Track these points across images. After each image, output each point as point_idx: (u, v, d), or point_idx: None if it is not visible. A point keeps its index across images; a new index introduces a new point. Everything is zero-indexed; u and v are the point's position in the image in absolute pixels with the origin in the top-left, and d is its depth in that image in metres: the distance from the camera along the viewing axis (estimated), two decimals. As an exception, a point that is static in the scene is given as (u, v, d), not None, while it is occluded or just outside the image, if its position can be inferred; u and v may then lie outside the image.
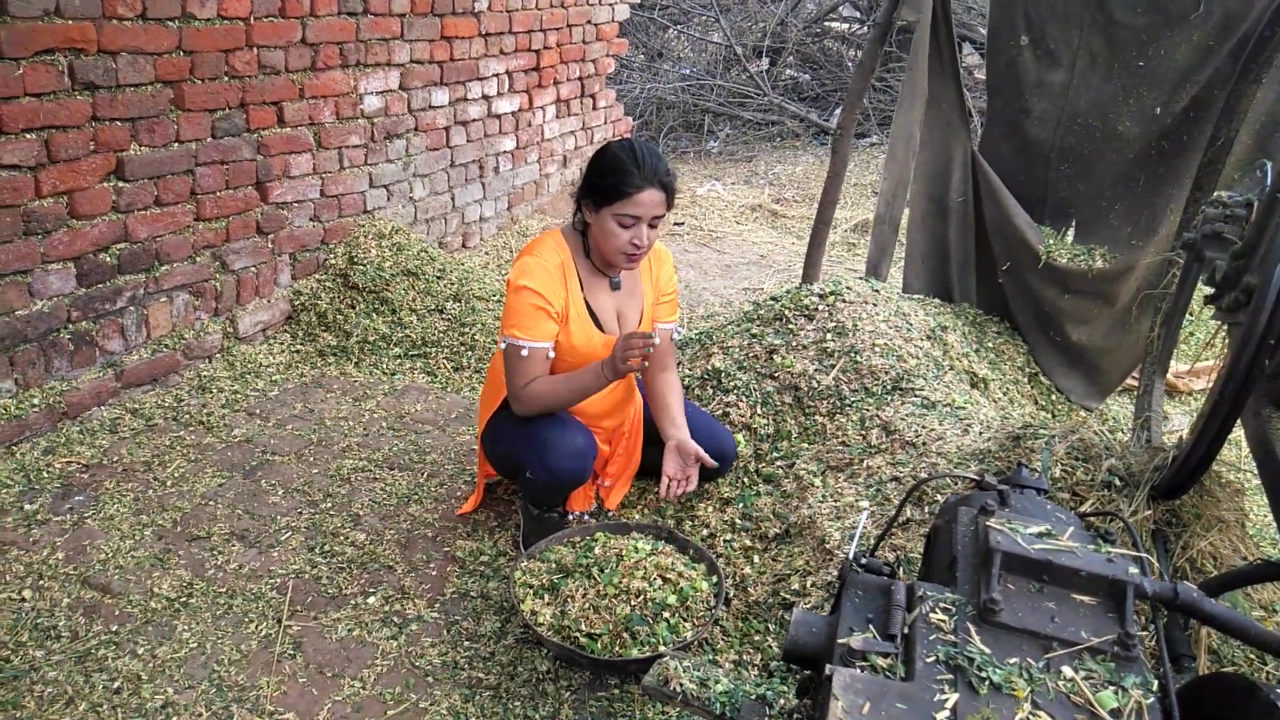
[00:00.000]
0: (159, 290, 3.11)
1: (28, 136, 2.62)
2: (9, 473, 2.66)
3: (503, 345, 2.29)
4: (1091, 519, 1.43)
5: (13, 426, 2.73)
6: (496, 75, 4.52)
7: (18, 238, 2.66)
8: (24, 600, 2.20)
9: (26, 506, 2.54)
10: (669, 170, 2.28)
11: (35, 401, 2.79)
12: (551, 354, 2.30)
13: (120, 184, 2.90)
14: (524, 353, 2.25)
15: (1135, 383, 3.70)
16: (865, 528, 1.60)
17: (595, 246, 2.34)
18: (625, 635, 1.98)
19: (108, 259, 2.93)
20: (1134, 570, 1.07)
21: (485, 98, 4.48)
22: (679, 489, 2.34)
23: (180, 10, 2.93)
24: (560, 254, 2.34)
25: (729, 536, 2.41)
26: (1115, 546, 1.14)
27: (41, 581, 2.27)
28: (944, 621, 1.03)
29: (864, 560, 1.12)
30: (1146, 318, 3.12)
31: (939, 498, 2.09)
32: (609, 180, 2.22)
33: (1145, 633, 1.43)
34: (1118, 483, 1.91)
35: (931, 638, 1.01)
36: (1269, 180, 1.81)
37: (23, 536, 2.43)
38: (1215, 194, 2.06)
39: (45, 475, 2.68)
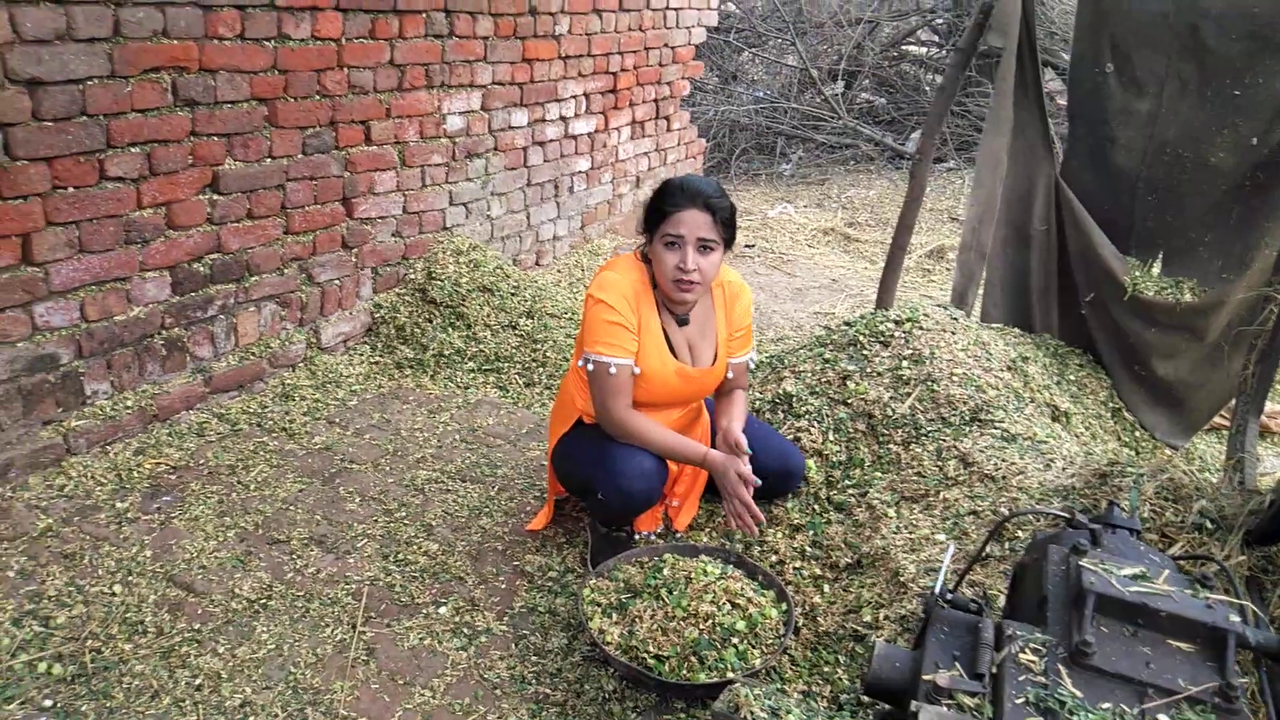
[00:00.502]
0: (248, 300, 3.22)
1: (132, 150, 2.74)
2: (102, 471, 2.77)
3: (588, 365, 2.29)
4: (1185, 563, 1.38)
5: (107, 427, 2.84)
6: (574, 97, 4.59)
7: (119, 246, 2.78)
8: (114, 595, 2.29)
9: (118, 504, 2.65)
10: (718, 193, 2.27)
11: (129, 404, 2.91)
12: (636, 370, 2.30)
13: (215, 197, 3.02)
14: (612, 370, 2.26)
15: (1223, 421, 3.57)
16: (951, 560, 1.57)
17: (658, 280, 2.35)
18: (693, 659, 1.97)
19: (201, 269, 3.04)
20: (1235, 618, 1.03)
21: (563, 119, 4.55)
22: (742, 520, 2.29)
23: (276, 30, 3.04)
24: (638, 274, 2.36)
25: (798, 564, 2.38)
26: (1213, 592, 1.10)
27: (130, 577, 2.36)
28: (1034, 662, 1.01)
29: (949, 595, 1.10)
30: (1239, 355, 3.02)
31: (1020, 534, 2.04)
32: (655, 204, 2.29)
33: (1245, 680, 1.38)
34: (1209, 525, 1.85)
35: (1021, 678, 0.99)
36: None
37: (114, 533, 2.53)
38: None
39: (135, 475, 2.79)
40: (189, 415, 3.09)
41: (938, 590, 1.08)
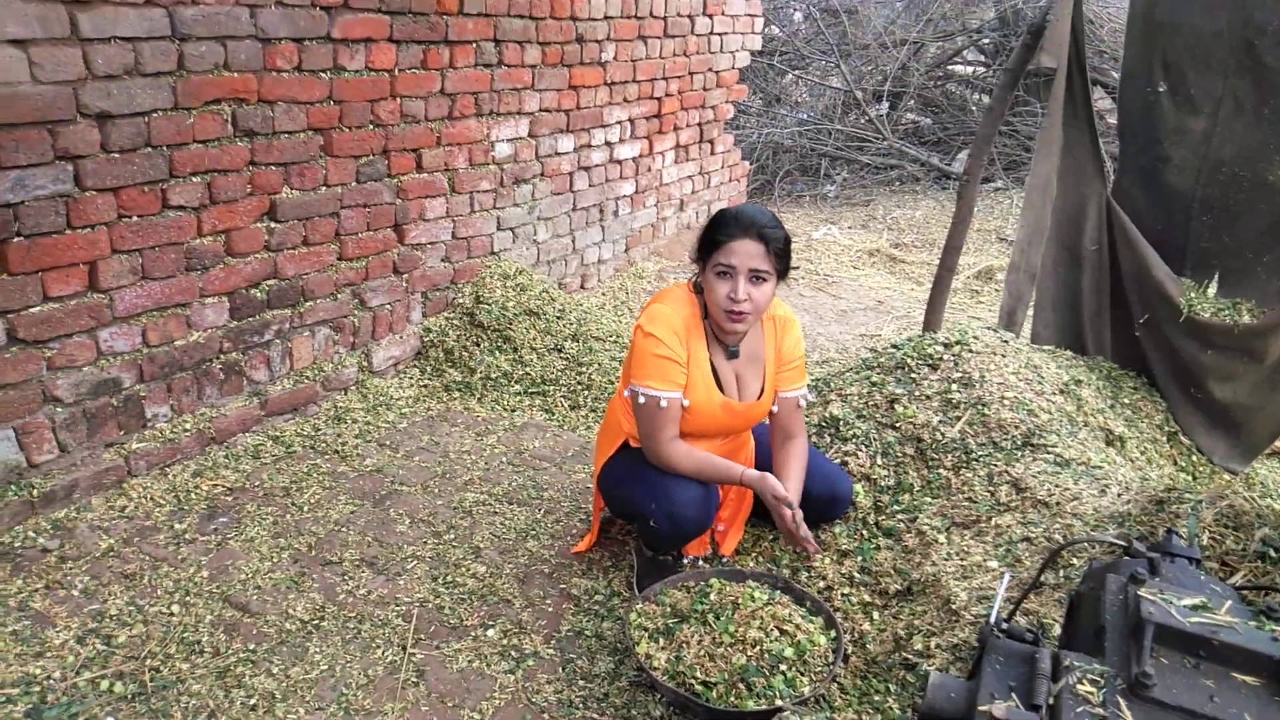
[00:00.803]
0: (303, 325, 3.29)
1: (193, 180, 2.84)
2: (162, 492, 2.85)
3: (639, 397, 2.28)
4: (1248, 593, 1.35)
5: (167, 449, 2.92)
6: (619, 122, 4.64)
7: (180, 273, 2.87)
8: (172, 615, 2.35)
9: (176, 526, 2.72)
10: (772, 224, 2.24)
11: (187, 426, 2.99)
12: (686, 402, 2.30)
13: (272, 224, 3.10)
14: (663, 403, 2.26)
15: (1286, 445, 3.47)
16: (1008, 589, 1.55)
17: (709, 310, 2.33)
18: (741, 685, 1.96)
19: (258, 294, 3.12)
20: (1304, 652, 1.00)
21: (608, 144, 4.60)
22: (796, 540, 2.30)
23: (332, 62, 3.13)
24: (689, 306, 2.35)
25: (847, 590, 2.36)
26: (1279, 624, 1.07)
27: (188, 598, 2.41)
28: (1092, 694, 0.99)
29: (1005, 625, 1.09)
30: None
31: (1075, 561, 2.00)
32: (708, 234, 2.27)
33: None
34: (1273, 554, 1.80)
35: (1079, 710, 0.97)
36: None
37: (172, 554, 2.59)
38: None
39: (193, 496, 2.86)
40: (245, 437, 3.16)
41: (993, 619, 1.07)
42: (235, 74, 2.85)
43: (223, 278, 2.99)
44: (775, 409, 2.47)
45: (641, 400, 2.28)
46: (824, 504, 2.49)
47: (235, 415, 3.12)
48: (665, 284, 4.93)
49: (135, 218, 2.71)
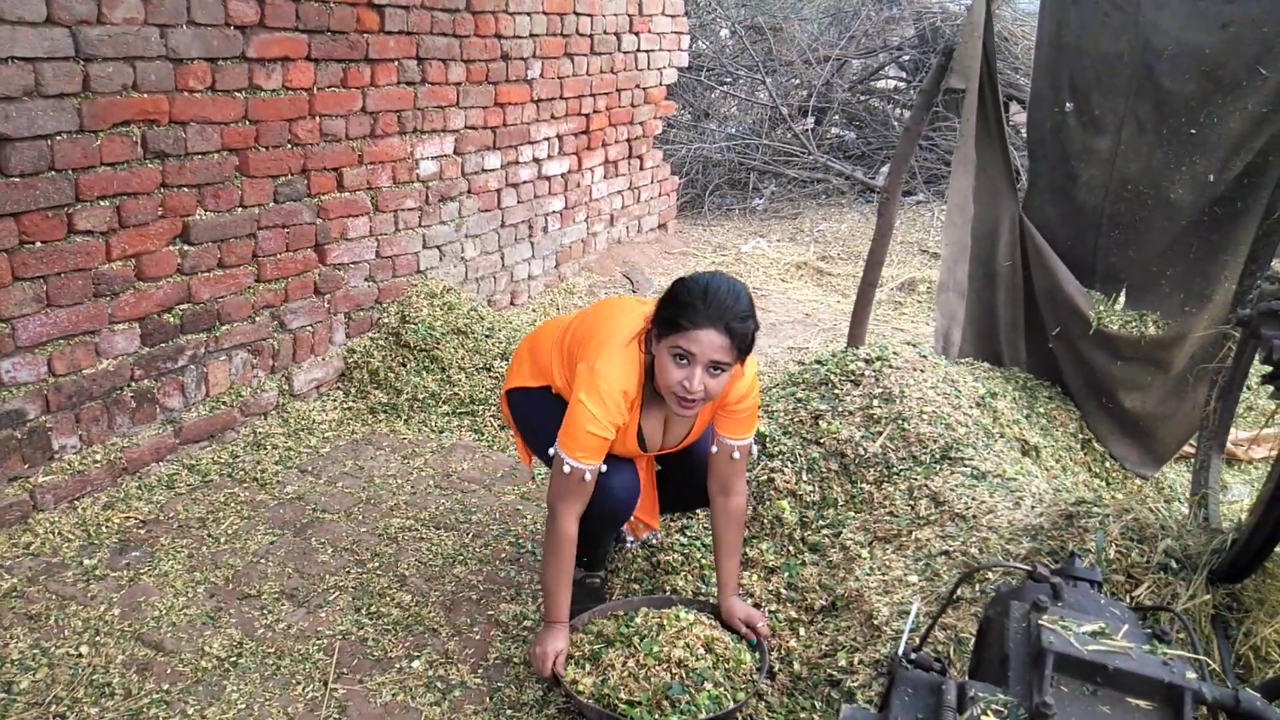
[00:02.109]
0: (219, 349, 3.21)
1: (101, 204, 2.74)
2: (70, 527, 2.74)
3: (564, 465, 2.11)
4: (1149, 612, 1.40)
5: (75, 482, 2.81)
6: (547, 139, 4.63)
7: (88, 300, 2.77)
8: (80, 656, 2.25)
9: (86, 561, 2.61)
10: (745, 315, 2.03)
11: (98, 457, 2.88)
12: (604, 469, 2.19)
13: (186, 247, 3.01)
14: (585, 478, 2.12)
15: (1192, 450, 3.62)
16: (916, 620, 1.58)
17: (658, 382, 2.13)
18: (665, 703, 1.97)
19: (171, 319, 3.03)
20: (1192, 675, 1.04)
21: (536, 160, 4.59)
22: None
23: (247, 81, 3.06)
24: (630, 377, 2.14)
25: (774, 607, 2.39)
26: (1172, 646, 1.12)
27: (98, 638, 2.32)
28: (996, 722, 1.01)
29: (913, 655, 1.11)
30: (1203, 386, 3.07)
31: (990, 576, 2.05)
32: (670, 310, 2.04)
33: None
34: (1174, 565, 1.87)
35: (983, 740, 0.99)
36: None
37: (81, 591, 2.49)
38: (1271, 270, 2.04)
39: (104, 530, 2.76)
40: (159, 467, 3.06)
41: (901, 651, 1.09)
42: (145, 95, 2.77)
43: (133, 303, 2.90)
44: (714, 449, 2.29)
45: (566, 470, 2.11)
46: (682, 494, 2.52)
47: (148, 444, 3.02)
48: (596, 298, 4.92)
49: (39, 244, 2.61)
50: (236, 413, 3.30)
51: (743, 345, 2.04)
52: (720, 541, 2.31)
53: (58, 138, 2.59)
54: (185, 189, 2.96)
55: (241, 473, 3.14)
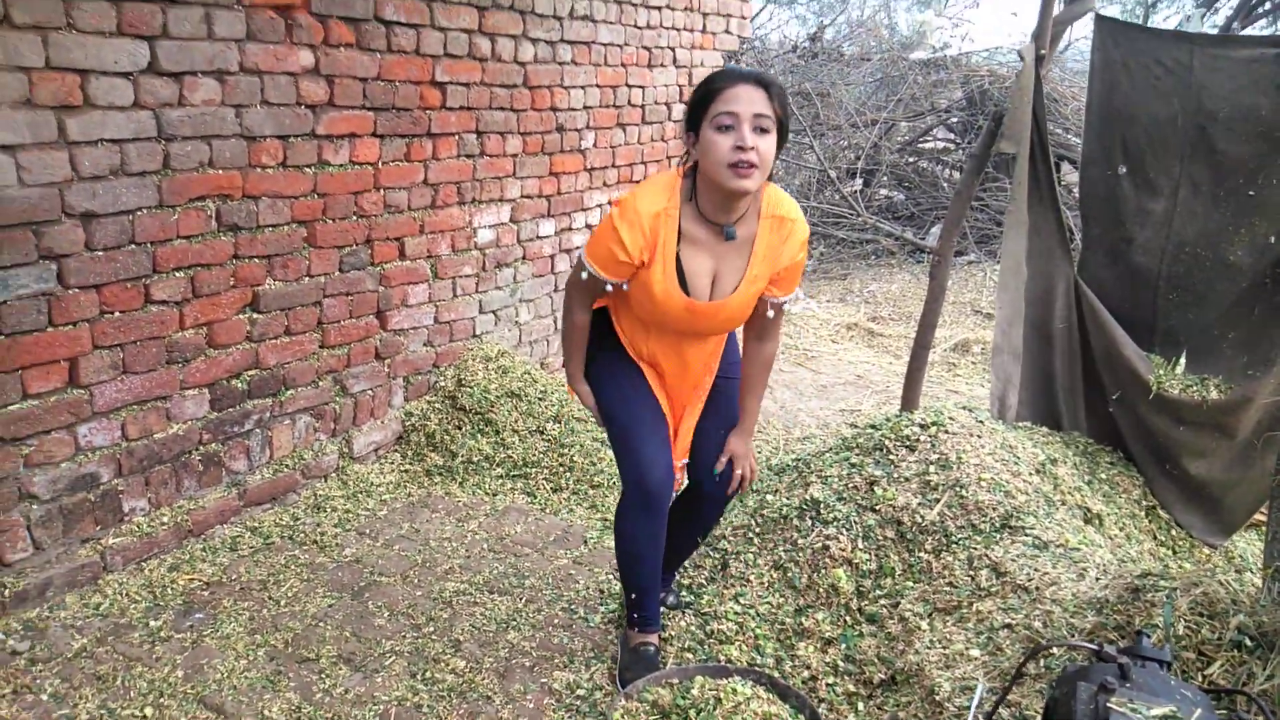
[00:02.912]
0: (283, 413, 3.30)
1: (177, 275, 2.87)
2: (137, 589, 2.81)
3: (582, 270, 2.26)
4: (1223, 694, 1.36)
5: (143, 544, 2.89)
6: (600, 205, 4.74)
7: (161, 367, 2.88)
8: (146, 718, 2.30)
9: (151, 623, 2.67)
10: (771, 77, 2.07)
11: (165, 520, 2.97)
12: (610, 288, 2.25)
13: (255, 315, 3.13)
14: (584, 275, 2.25)
15: (1263, 518, 3.50)
16: (981, 698, 1.56)
17: (704, 182, 2.11)
18: (725, 782, 1.94)
19: (239, 384, 3.13)
20: (1272, 763, 1.01)
21: (589, 227, 4.69)
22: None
23: (316, 158, 3.20)
24: (665, 200, 2.15)
25: (831, 680, 2.35)
26: (1250, 731, 1.09)
27: (162, 699, 2.37)
28: (1066, 810, 0.99)
29: (979, 737, 1.10)
30: (1272, 453, 2.98)
31: (1055, 651, 2.00)
32: (702, 89, 2.07)
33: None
34: (1249, 643, 1.81)
35: (1054, 828, 0.97)
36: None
37: (146, 653, 2.55)
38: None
39: (170, 592, 2.82)
40: (223, 529, 3.14)
41: (966, 733, 1.08)
42: (220, 171, 2.91)
43: (203, 370, 3.01)
44: (768, 312, 2.34)
45: (584, 275, 2.25)
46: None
47: (213, 507, 3.10)
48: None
49: (117, 313, 2.73)
50: (298, 475, 3.38)
51: (780, 102, 2.05)
52: (748, 381, 2.45)
53: (139, 213, 2.73)
54: (256, 260, 3.08)
55: (302, 535, 3.20)
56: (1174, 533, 3.45)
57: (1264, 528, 3.56)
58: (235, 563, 3.01)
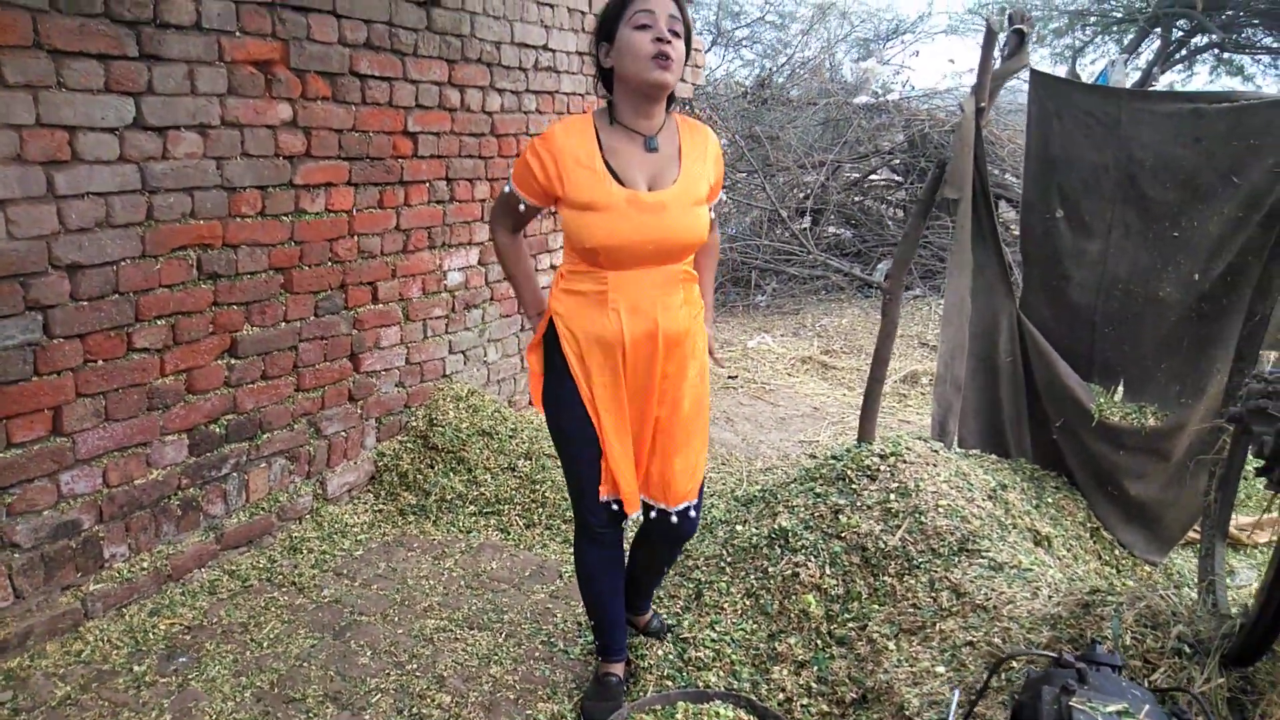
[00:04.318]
0: (259, 456, 3.34)
1: (158, 323, 2.92)
2: (119, 634, 2.82)
3: (506, 185, 2.33)
4: (1167, 694, 1.51)
5: (124, 589, 2.91)
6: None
7: (142, 413, 2.92)
8: (137, 762, 2.32)
9: (135, 668, 2.69)
10: None
11: (144, 565, 2.99)
12: (524, 207, 2.29)
13: (233, 361, 3.18)
14: (506, 190, 2.33)
15: (1197, 536, 3.73)
16: (954, 708, 1.69)
17: (622, 89, 2.18)
18: (711, 802, 2.04)
19: (217, 429, 3.18)
20: (1212, 749, 1.16)
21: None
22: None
23: (294, 206, 3.28)
24: (580, 122, 2.22)
25: (806, 701, 2.47)
26: (1191, 724, 1.23)
27: (152, 743, 2.39)
28: (1037, 797, 1.13)
29: (958, 737, 1.23)
30: (1203, 474, 3.21)
31: (1015, 665, 2.15)
32: (612, 5, 2.16)
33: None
34: (1188, 650, 1.98)
35: (1027, 813, 1.10)
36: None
37: (133, 698, 2.57)
38: (1256, 369, 2.21)
39: (152, 637, 2.84)
40: (201, 573, 3.16)
41: (947, 733, 1.20)
42: (201, 221, 2.98)
43: (183, 415, 3.05)
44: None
45: (505, 189, 2.33)
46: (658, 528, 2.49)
47: (192, 551, 3.13)
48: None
49: (100, 362, 2.78)
50: (274, 518, 3.42)
51: (684, 10, 2.16)
52: (701, 271, 2.47)
53: (123, 263, 2.78)
54: (234, 306, 3.15)
55: (280, 577, 3.24)
56: (1117, 552, 3.66)
57: (1198, 545, 3.79)
58: (215, 606, 3.04)
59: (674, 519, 2.40)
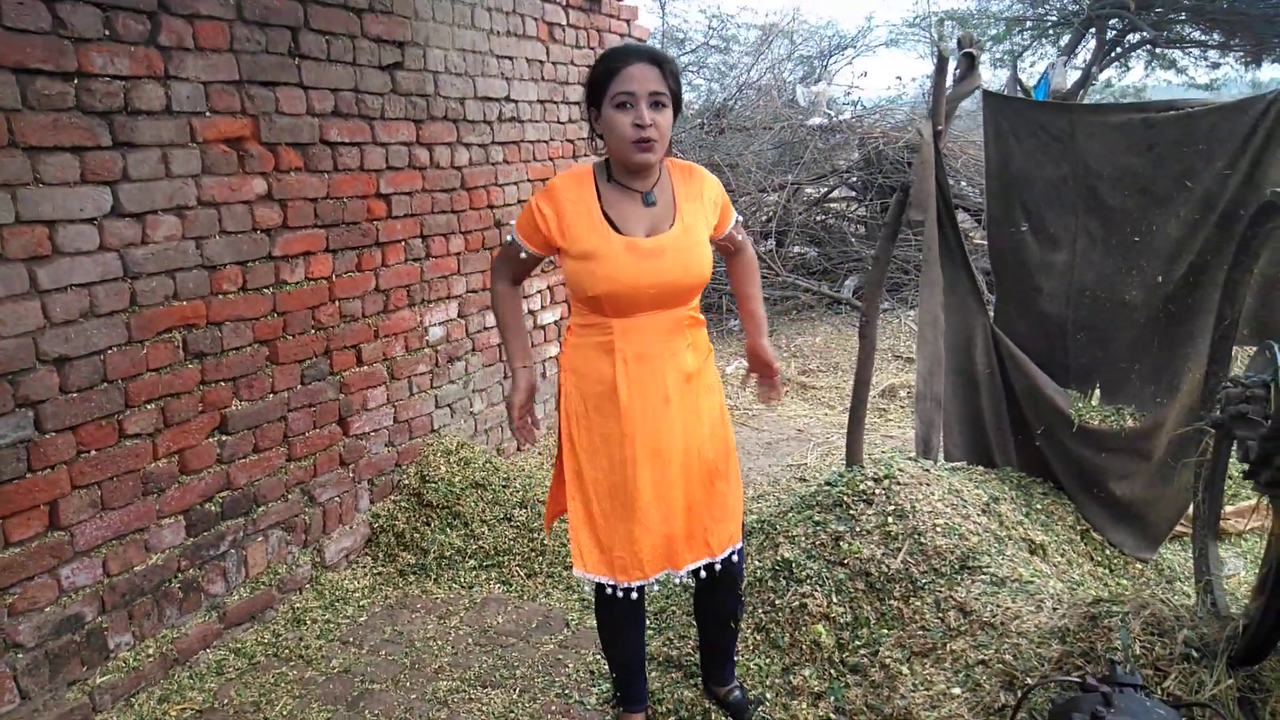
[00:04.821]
0: (256, 530, 3.33)
1: (148, 407, 2.91)
2: (129, 725, 2.79)
3: (509, 234, 2.38)
4: (1188, 707, 1.56)
5: (131, 679, 2.87)
6: (539, 291, 4.91)
7: (138, 499, 2.90)
8: None
9: (150, 759, 2.66)
10: (663, 53, 2.20)
11: (150, 651, 2.95)
12: (525, 255, 2.34)
13: (224, 437, 3.17)
14: (508, 240, 2.37)
15: (1184, 529, 3.82)
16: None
17: (612, 155, 2.24)
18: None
19: (212, 507, 3.16)
20: (1241, 764, 1.21)
21: (531, 312, 4.85)
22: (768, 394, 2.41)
23: (274, 278, 3.29)
24: (580, 175, 2.30)
25: (826, 732, 2.50)
26: (1218, 738, 1.28)
27: (176, 837, 2.36)
28: (1082, 827, 1.17)
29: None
30: (1187, 471, 3.30)
31: (1029, 680, 2.20)
32: (598, 69, 2.20)
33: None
34: (1195, 654, 2.04)
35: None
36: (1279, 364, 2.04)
37: (151, 791, 2.54)
38: (1233, 374, 2.29)
39: (163, 725, 2.81)
40: (206, 654, 3.13)
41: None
42: (184, 302, 2.98)
43: (178, 497, 3.03)
44: (728, 242, 2.48)
45: (506, 239, 2.38)
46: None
47: (195, 633, 3.10)
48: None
49: (93, 452, 2.76)
50: (274, 591, 3.39)
51: (673, 75, 2.19)
52: (744, 288, 2.56)
53: (109, 351, 2.77)
54: (222, 383, 3.14)
55: (286, 651, 3.21)
56: (1108, 552, 3.74)
57: (1186, 539, 3.88)
58: (224, 687, 3.01)
59: (718, 567, 2.41)
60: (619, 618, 2.50)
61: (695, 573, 2.40)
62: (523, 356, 2.52)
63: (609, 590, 2.37)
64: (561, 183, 2.28)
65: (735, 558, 2.44)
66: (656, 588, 3.34)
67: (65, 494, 2.69)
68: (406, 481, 4.02)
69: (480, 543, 3.84)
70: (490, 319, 4.52)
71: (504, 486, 4.04)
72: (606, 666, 3.03)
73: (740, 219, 2.53)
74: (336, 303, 3.56)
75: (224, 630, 3.20)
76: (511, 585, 3.69)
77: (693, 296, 2.34)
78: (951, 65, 3.72)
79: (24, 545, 2.60)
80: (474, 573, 3.75)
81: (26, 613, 2.62)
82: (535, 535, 3.86)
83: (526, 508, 3.96)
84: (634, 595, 2.36)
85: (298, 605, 3.47)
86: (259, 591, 3.33)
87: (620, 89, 2.14)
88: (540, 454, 4.94)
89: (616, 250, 2.20)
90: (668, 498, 2.31)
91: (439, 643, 3.28)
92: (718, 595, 2.54)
